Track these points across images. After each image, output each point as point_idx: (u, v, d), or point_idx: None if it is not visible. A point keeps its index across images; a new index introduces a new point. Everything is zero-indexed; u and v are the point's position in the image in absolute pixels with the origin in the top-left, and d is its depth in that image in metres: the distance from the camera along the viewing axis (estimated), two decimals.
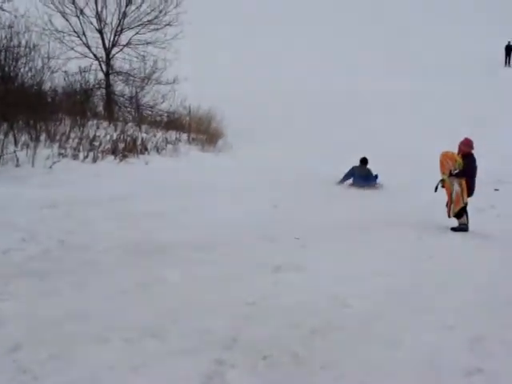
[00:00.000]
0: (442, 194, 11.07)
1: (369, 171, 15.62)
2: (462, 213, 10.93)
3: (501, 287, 7.35)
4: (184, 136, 18.47)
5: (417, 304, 6.40)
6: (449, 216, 11.01)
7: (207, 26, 33.58)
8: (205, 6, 36.05)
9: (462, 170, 10.79)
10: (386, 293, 6.68)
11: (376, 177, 15.50)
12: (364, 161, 15.84)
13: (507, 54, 37.32)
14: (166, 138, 17.34)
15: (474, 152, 11.05)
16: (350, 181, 15.57)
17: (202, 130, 19.29)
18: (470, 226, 10.93)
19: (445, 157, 10.97)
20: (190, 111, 19.73)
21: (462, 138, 11.18)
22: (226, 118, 19.61)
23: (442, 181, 11.02)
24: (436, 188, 11.10)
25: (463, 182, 10.80)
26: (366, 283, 6.95)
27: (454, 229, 10.91)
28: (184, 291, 6.41)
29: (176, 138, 17.76)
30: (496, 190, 15.07)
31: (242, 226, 9.82)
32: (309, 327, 5.59)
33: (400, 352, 5.23)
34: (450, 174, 10.88)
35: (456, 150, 11.11)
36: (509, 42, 37.25)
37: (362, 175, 15.49)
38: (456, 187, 10.81)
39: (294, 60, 32.95)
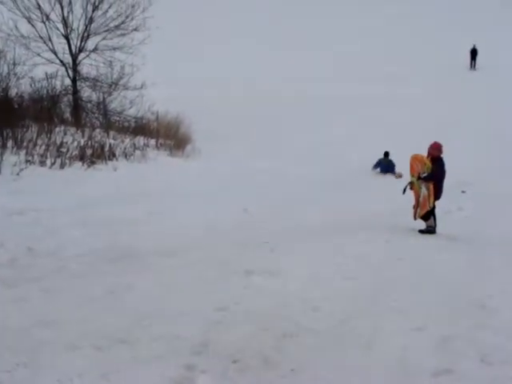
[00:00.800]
0: (410, 196, 11.16)
1: (390, 161, 18.97)
2: (429, 215, 11.01)
3: (468, 288, 7.43)
4: (152, 141, 18.37)
5: (386, 306, 6.45)
6: (414, 218, 11.08)
7: (174, 30, 33.51)
8: (172, 11, 36.05)
9: (431, 173, 10.84)
10: (355, 295, 6.72)
11: (394, 166, 18.60)
12: (386, 154, 19.14)
13: (472, 58, 37.94)
14: (134, 144, 17.21)
15: (443, 156, 11.11)
16: (378, 169, 19.02)
17: (170, 136, 19.19)
18: (438, 229, 11.03)
19: (414, 159, 11.03)
20: (157, 117, 19.65)
21: (431, 142, 11.20)
22: (194, 122, 19.57)
23: (411, 183, 11.10)
24: (404, 190, 11.17)
25: (431, 186, 10.86)
26: (335, 286, 6.98)
27: (421, 231, 10.99)
28: (155, 297, 6.39)
29: (144, 144, 17.65)
30: (463, 192, 15.23)
31: (212, 230, 9.83)
32: (280, 331, 5.61)
33: (370, 354, 5.28)
34: (419, 178, 10.93)
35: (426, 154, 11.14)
36: (474, 46, 37.84)
37: (385, 164, 19.02)
38: (424, 190, 10.85)
39: (264, 64, 33.01)
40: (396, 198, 11.69)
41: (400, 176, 16.83)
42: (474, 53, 37.86)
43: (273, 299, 6.41)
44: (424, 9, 50.44)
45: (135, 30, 19.96)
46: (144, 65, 19.19)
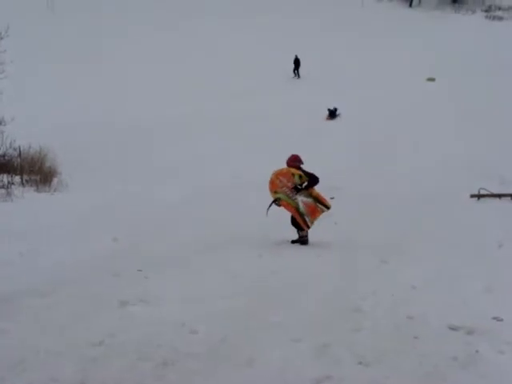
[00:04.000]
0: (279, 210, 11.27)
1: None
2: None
3: (343, 294, 7.64)
4: (17, 178, 17.76)
5: (264, 321, 6.49)
6: (308, 227, 11.07)
7: (31, 63, 32.60)
8: (28, 45, 35.10)
9: (310, 179, 10.88)
10: (232, 314, 6.71)
11: None
12: None
13: (296, 67, 39.72)
14: None
15: (303, 166, 11.21)
16: None
17: (35, 171, 18.63)
18: (310, 237, 11.25)
19: (277, 175, 11.05)
20: (20, 152, 19.01)
21: (289, 156, 11.33)
22: (60, 154, 19.09)
23: (276, 200, 11.11)
24: (268, 209, 11.18)
25: (313, 191, 10.95)
26: (211, 307, 6.94)
27: (294, 241, 11.16)
28: (28, 340, 6.11)
29: (8, 182, 17.03)
30: (332, 198, 15.62)
31: (84, 263, 9.58)
32: (159, 359, 5.50)
33: (253, 370, 5.28)
34: (298, 189, 10.93)
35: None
36: (296, 56, 39.61)
37: None
38: (304, 199, 10.86)
39: (123, 94, 32.60)
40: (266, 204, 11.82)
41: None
42: (297, 62, 39.70)
43: (149, 327, 6.29)
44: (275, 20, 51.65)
45: None
46: (0, 100, 18.52)
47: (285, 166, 11.23)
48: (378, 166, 19.80)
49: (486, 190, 16.39)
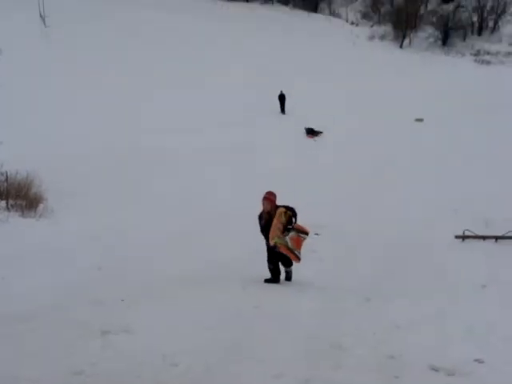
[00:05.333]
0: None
1: None
2: (290, 261, 10.96)
3: (325, 330, 7.63)
4: (2, 203, 17.65)
5: (246, 356, 6.47)
6: (299, 260, 10.78)
7: (17, 86, 32.62)
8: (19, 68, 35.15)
9: (291, 213, 10.65)
10: (214, 347, 6.69)
11: None
12: None
13: (281, 103, 39.77)
14: None
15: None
16: None
17: (21, 196, 18.53)
18: (295, 272, 11.16)
19: (278, 220, 10.58)
20: (7, 177, 18.92)
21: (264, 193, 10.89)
22: (48, 181, 19.02)
23: (275, 246, 10.68)
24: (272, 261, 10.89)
25: (293, 225, 10.69)
26: (194, 339, 6.92)
27: (267, 280, 10.89)
28: (10, 366, 6.06)
29: None
30: (316, 234, 15.64)
31: (68, 290, 9.53)
32: None
33: None
34: (288, 229, 10.62)
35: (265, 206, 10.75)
36: (281, 92, 39.70)
37: None
38: (289, 234, 10.59)
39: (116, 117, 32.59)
40: (251, 242, 11.78)
41: None
42: (282, 98, 39.75)
43: (131, 358, 6.25)
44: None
45: None
46: None
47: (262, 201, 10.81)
48: (365, 204, 19.86)
49: (470, 231, 16.49)
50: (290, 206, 10.81)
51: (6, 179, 18.69)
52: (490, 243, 16.17)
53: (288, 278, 11.14)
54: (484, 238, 16.48)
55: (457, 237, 16.55)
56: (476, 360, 6.49)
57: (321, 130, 34.53)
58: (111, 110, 32.23)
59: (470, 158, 27.19)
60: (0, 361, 6.21)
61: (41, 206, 18.17)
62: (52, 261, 11.85)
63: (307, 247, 13.17)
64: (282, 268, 11.12)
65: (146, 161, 23.83)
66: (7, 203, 17.72)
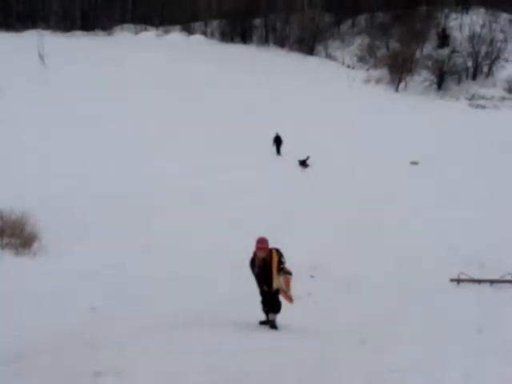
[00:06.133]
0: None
1: None
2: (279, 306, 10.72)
3: (319, 378, 7.55)
4: None
5: None
6: (292, 301, 10.62)
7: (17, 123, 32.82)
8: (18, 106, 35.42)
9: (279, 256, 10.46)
10: None
11: None
12: None
13: (277, 145, 39.78)
14: None
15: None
16: None
17: (15, 234, 18.49)
18: (289, 315, 11.00)
19: (276, 265, 10.39)
20: (1, 216, 18.90)
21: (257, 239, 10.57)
22: (41, 219, 18.99)
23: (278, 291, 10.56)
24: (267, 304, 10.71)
25: (285, 268, 10.48)
26: (185, 383, 6.84)
27: (262, 322, 10.79)
28: None
29: None
30: (311, 276, 15.61)
31: (59, 332, 9.44)
32: None
33: None
34: (281, 269, 10.41)
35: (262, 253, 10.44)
36: (276, 134, 39.75)
37: None
38: (281, 277, 10.45)
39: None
40: (242, 281, 11.56)
41: None
42: (278, 140, 39.81)
43: None
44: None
45: None
46: None
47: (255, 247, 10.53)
48: (361, 246, 19.82)
49: (465, 274, 16.47)
50: (276, 247, 10.67)
51: (1, 217, 18.66)
52: (485, 286, 16.15)
53: (274, 326, 10.72)
54: (479, 281, 16.46)
55: (452, 280, 16.53)
56: None
57: (308, 164, 36.12)
58: (109, 151, 32.32)
59: (463, 201, 27.26)
60: None
61: (35, 245, 18.13)
62: (46, 301, 11.78)
63: (302, 290, 13.18)
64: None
65: (145, 205, 23.75)
66: (1, 241, 17.68)
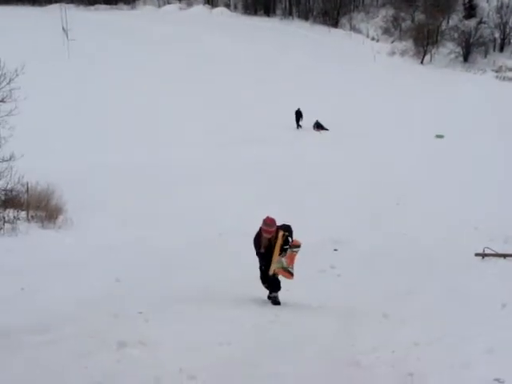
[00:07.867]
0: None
1: None
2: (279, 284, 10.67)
3: (342, 349, 7.57)
4: (23, 214, 17.80)
5: (260, 371, 6.45)
6: (292, 277, 10.40)
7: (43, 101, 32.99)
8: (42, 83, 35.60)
9: (288, 233, 10.35)
10: (229, 362, 6.67)
11: None
12: None
13: (297, 119, 39.80)
14: (4, 217, 16.62)
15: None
16: None
17: (41, 207, 18.67)
18: (311, 289, 10.98)
19: (278, 248, 10.32)
20: (28, 189, 19.07)
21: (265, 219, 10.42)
22: (67, 192, 19.14)
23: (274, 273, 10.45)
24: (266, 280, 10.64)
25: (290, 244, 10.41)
26: (210, 353, 6.89)
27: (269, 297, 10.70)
28: (25, 378, 6.06)
29: (14, 217, 17.06)
30: (335, 250, 15.59)
31: (84, 303, 9.54)
32: None
33: None
34: (285, 249, 10.33)
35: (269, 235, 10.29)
36: (298, 108, 39.69)
37: None
38: (285, 255, 10.34)
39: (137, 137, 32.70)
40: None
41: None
42: (298, 114, 39.80)
43: (147, 372, 6.23)
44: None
45: (1, 101, 19.40)
46: (12, 136, 18.63)
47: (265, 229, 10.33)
48: (386, 222, 19.75)
49: (490, 249, 16.33)
50: (286, 224, 10.56)
51: (27, 190, 18.83)
52: (511, 261, 16.01)
53: (276, 302, 10.59)
54: (505, 256, 16.32)
55: (477, 254, 16.41)
56: (496, 379, 6.39)
57: (327, 128, 38.10)
58: (131, 124, 32.44)
59: (489, 175, 27.00)
60: (13, 374, 6.21)
61: (60, 217, 18.30)
62: (71, 273, 11.93)
63: (326, 263, 13.19)
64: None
65: (167, 174, 23.87)
66: (27, 214, 17.86)
